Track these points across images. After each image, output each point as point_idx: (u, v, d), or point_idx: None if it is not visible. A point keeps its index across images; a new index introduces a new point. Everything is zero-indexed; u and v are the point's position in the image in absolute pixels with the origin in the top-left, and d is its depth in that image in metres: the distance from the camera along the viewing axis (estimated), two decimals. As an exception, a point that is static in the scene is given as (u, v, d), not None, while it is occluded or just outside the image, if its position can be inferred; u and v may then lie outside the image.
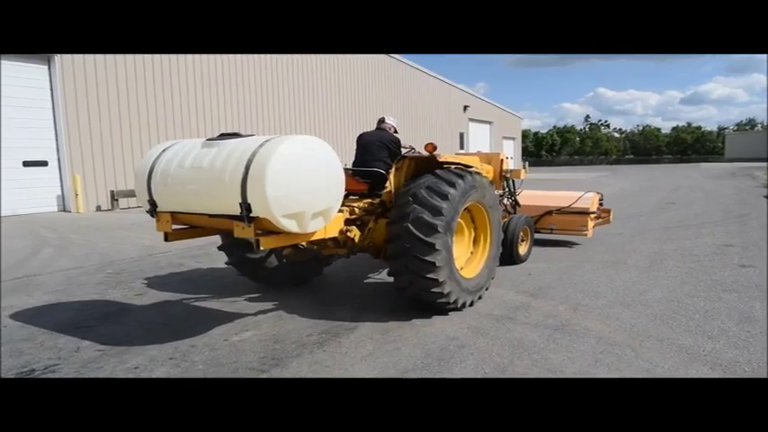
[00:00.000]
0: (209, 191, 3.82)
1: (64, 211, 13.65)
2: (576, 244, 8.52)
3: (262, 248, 3.94)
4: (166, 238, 4.49)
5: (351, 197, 5.45)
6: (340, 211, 4.64)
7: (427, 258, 4.44)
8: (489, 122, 41.39)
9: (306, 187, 3.75)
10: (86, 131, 13.75)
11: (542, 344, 4.16)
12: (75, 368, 3.81)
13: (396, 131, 6.09)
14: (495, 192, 6.06)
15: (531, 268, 6.86)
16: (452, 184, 4.71)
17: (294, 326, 4.68)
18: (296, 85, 20.75)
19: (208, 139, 4.05)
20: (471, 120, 37.78)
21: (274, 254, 5.65)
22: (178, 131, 15.96)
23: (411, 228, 4.45)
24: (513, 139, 48.20)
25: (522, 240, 7.30)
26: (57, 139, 13.34)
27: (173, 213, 4.23)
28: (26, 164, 12.77)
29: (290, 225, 3.74)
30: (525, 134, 75.87)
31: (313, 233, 4.19)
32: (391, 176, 5.12)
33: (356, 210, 5.10)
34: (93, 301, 5.58)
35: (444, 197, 4.59)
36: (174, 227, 4.39)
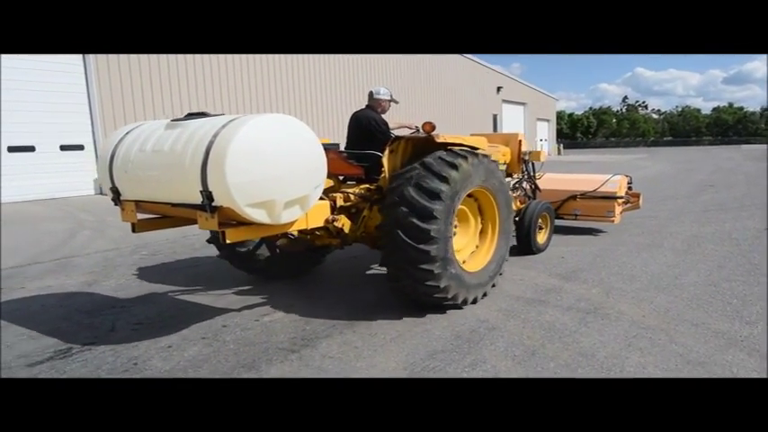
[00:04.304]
0: (168, 177, 3.41)
1: (101, 194, 13.94)
2: (605, 231, 8.28)
3: (228, 241, 3.47)
4: (134, 230, 4.08)
5: (348, 182, 5.17)
6: (332, 197, 4.42)
7: (422, 247, 4.02)
8: (523, 104, 40.74)
9: (275, 173, 3.31)
10: (120, 114, 13.95)
11: (574, 327, 4.10)
12: (110, 346, 3.91)
13: (389, 100, 5.56)
14: (506, 177, 5.58)
15: (563, 251, 6.76)
16: (455, 166, 4.25)
17: (324, 307, 4.71)
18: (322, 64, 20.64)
19: (173, 120, 3.67)
20: (505, 101, 37.21)
21: (266, 245, 5.31)
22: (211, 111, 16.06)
23: (405, 211, 4.05)
24: (548, 120, 47.40)
25: (541, 228, 6.86)
26: (92, 123, 13.58)
27: (137, 202, 3.86)
28: (63, 148, 13.05)
29: (259, 215, 3.33)
30: (560, 116, 74.55)
31: (289, 224, 3.75)
32: (385, 160, 4.51)
33: (351, 196, 4.65)
34: (128, 282, 5.71)
35: (444, 179, 4.14)
36: (142, 216, 4.06)
